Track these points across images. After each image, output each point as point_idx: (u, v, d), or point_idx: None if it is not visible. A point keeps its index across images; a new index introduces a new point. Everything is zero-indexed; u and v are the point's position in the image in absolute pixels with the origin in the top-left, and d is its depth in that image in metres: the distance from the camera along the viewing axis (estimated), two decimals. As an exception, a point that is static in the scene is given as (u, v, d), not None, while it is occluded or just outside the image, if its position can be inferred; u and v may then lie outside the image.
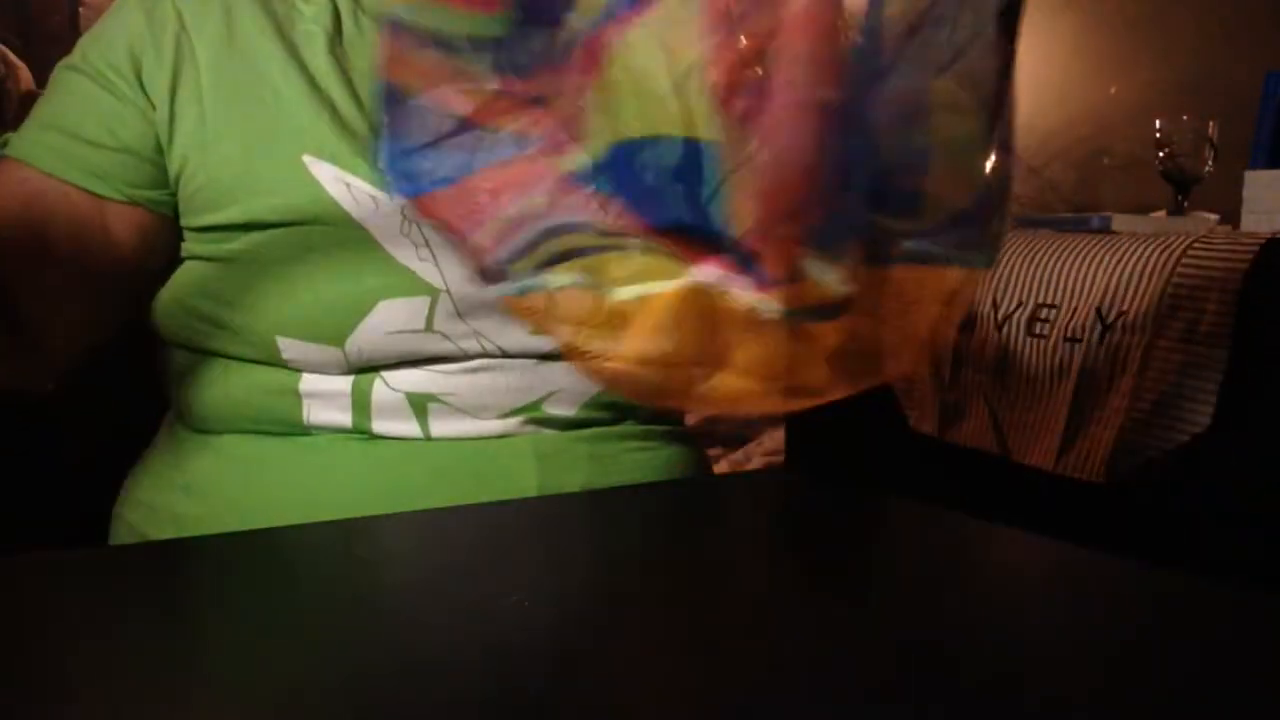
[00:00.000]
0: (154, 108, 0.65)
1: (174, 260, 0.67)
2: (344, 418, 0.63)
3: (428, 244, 0.63)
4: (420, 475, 0.62)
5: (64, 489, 0.66)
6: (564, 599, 0.38)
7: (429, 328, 0.62)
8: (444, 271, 0.62)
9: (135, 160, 0.65)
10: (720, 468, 1.86)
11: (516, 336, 0.65)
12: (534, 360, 0.65)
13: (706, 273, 0.43)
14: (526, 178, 0.44)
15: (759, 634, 0.35)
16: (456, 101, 0.46)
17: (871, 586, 0.41)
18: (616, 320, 0.43)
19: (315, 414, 0.63)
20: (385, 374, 0.63)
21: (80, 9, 4.06)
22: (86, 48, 0.67)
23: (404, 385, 0.63)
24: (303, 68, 0.66)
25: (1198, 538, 1.02)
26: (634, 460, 0.68)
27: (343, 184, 0.63)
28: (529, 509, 0.56)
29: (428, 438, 0.63)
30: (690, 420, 1.01)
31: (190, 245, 0.66)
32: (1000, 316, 1.21)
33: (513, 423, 0.64)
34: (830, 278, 0.43)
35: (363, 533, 0.50)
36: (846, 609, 0.37)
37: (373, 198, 0.63)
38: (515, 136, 0.45)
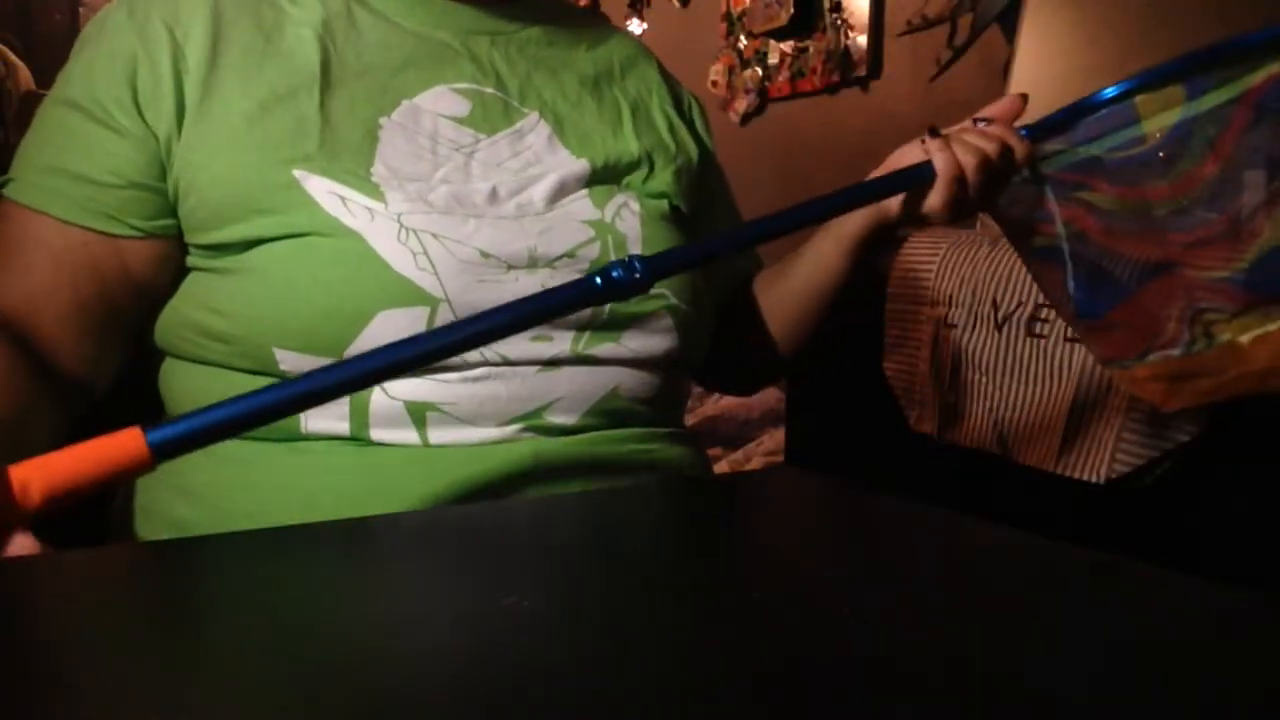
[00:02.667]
0: (154, 135, 0.64)
1: (183, 274, 0.67)
2: (341, 426, 0.63)
3: (425, 252, 0.62)
4: (418, 482, 0.61)
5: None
6: (562, 599, 0.38)
7: None
8: (443, 280, 0.62)
9: (145, 194, 0.64)
10: (720, 468, 1.86)
11: (517, 344, 0.64)
12: (536, 368, 0.64)
13: None
14: (1181, 285, 0.67)
15: (759, 634, 0.35)
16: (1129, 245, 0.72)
17: (871, 586, 0.41)
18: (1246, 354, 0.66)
19: (312, 422, 0.63)
20: (384, 382, 0.63)
21: (80, 9, 4.06)
22: (78, 80, 0.65)
23: (403, 394, 0.62)
24: (291, 78, 0.66)
25: (1198, 538, 1.02)
26: (635, 463, 0.68)
27: (337, 197, 0.63)
28: (527, 509, 0.56)
29: (426, 445, 0.63)
30: (690, 421, 1.00)
31: (193, 259, 0.66)
32: (1000, 316, 1.21)
33: (512, 430, 0.64)
34: None
35: (361, 532, 0.50)
36: (846, 609, 0.37)
37: (368, 209, 0.63)
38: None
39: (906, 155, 0.73)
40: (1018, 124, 0.74)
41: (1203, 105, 0.69)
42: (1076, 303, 0.72)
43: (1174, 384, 0.69)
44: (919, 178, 0.71)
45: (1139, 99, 0.70)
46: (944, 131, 0.72)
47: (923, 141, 0.72)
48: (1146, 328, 0.69)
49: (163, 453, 0.47)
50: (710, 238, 0.71)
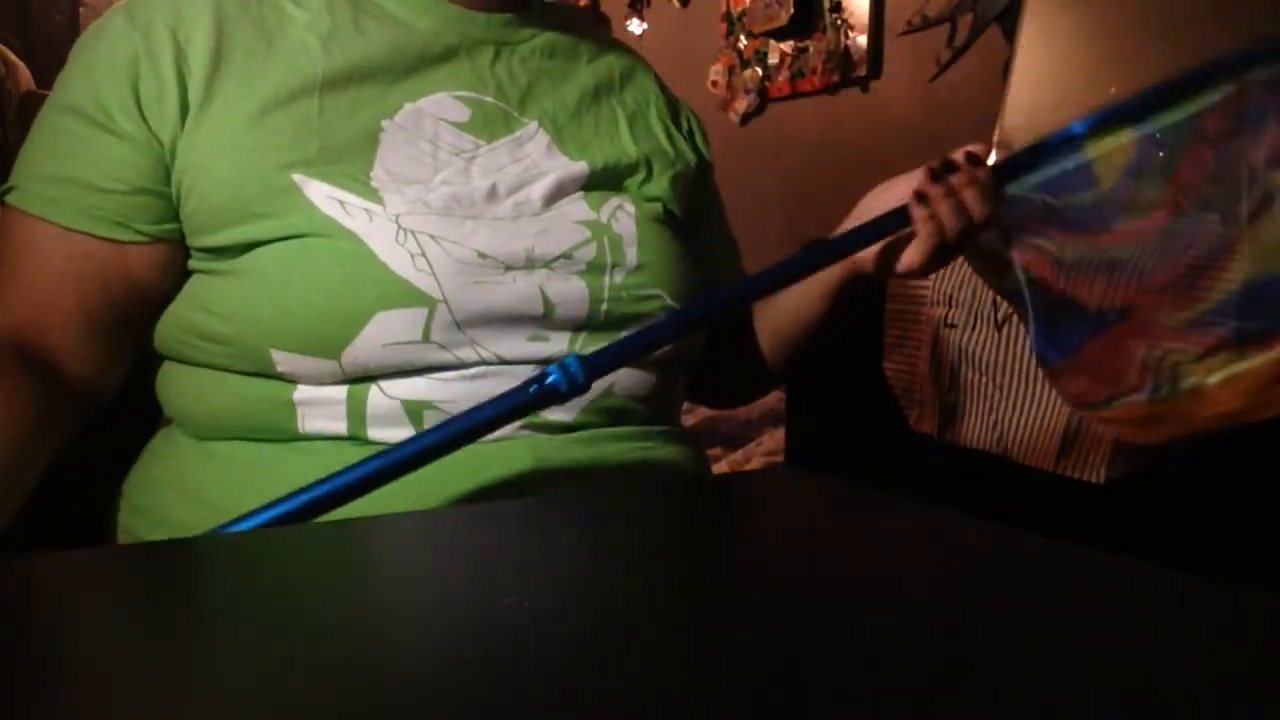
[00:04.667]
0: (158, 139, 0.64)
1: (186, 278, 0.67)
2: (339, 425, 0.63)
3: (423, 253, 0.62)
4: (415, 480, 0.61)
5: (61, 492, 0.66)
6: (561, 599, 0.38)
7: (426, 338, 0.62)
8: (441, 281, 0.62)
9: (150, 198, 0.64)
10: (720, 468, 1.86)
11: (515, 344, 0.64)
12: (532, 367, 0.64)
13: None
14: (1143, 329, 0.64)
15: (759, 634, 0.35)
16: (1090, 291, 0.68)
17: (871, 586, 0.41)
18: (1209, 397, 0.63)
19: (309, 423, 0.63)
20: (381, 382, 0.63)
21: (80, 9, 4.07)
22: (78, 85, 0.65)
23: (400, 393, 0.62)
24: (292, 82, 0.66)
25: (1198, 538, 1.02)
26: (633, 461, 0.68)
27: (336, 202, 0.63)
28: (526, 509, 0.56)
29: None
30: (690, 421, 1.00)
31: (194, 262, 0.66)
32: (1000, 317, 1.21)
33: (510, 428, 0.64)
34: None
35: (361, 532, 0.50)
36: (846, 609, 0.37)
37: (367, 211, 0.63)
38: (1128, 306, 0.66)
39: (880, 199, 0.74)
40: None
41: (1154, 145, 0.68)
42: (1036, 348, 0.72)
43: (1141, 429, 0.67)
44: (895, 224, 0.71)
45: (1090, 145, 0.69)
46: (928, 192, 0.71)
47: (916, 202, 0.72)
48: (1109, 375, 0.68)
49: None
50: (653, 326, 0.67)
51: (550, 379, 0.59)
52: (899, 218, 0.71)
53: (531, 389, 0.59)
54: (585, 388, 0.60)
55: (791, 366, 0.88)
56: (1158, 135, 0.67)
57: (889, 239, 0.73)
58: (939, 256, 0.72)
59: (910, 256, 0.73)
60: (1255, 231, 0.63)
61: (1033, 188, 0.71)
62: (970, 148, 0.74)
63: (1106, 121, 0.68)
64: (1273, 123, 0.64)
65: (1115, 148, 0.68)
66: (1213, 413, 0.63)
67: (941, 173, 0.72)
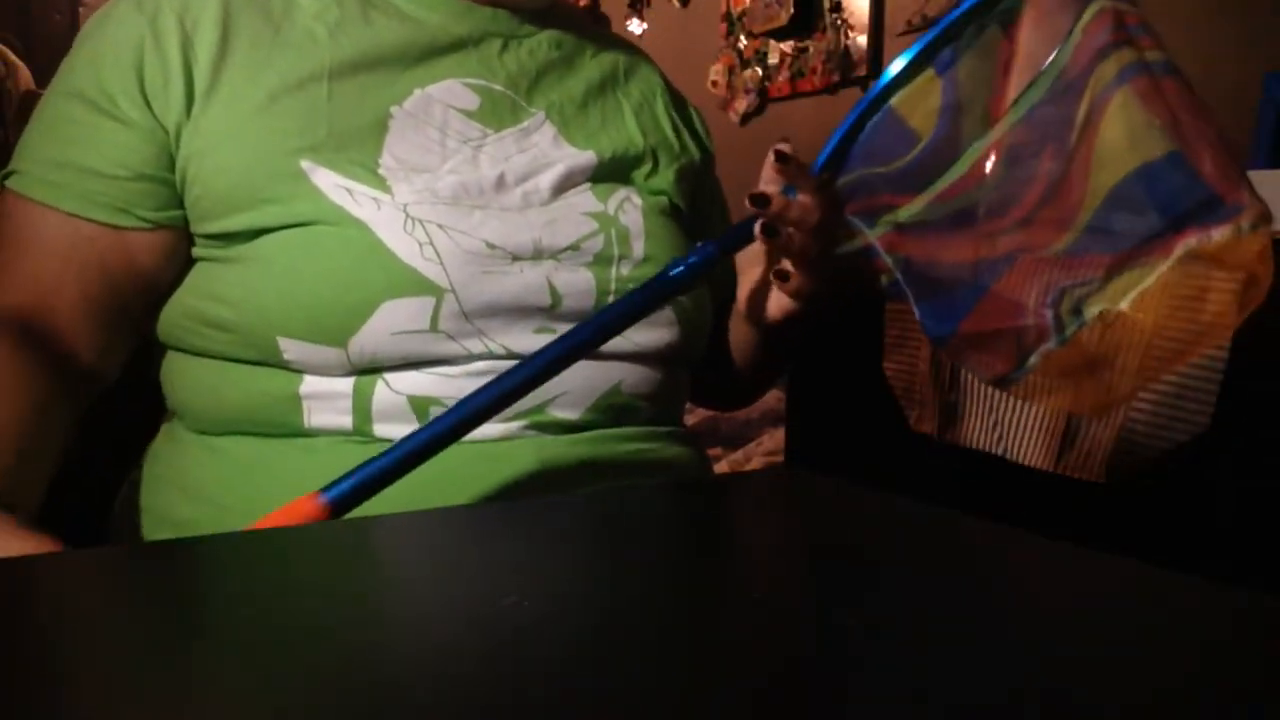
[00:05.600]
0: (162, 126, 0.64)
1: (188, 266, 0.68)
2: (344, 420, 0.63)
3: (431, 242, 0.62)
4: (420, 478, 0.61)
5: (63, 490, 0.66)
6: (561, 599, 0.38)
7: (434, 328, 0.62)
8: (449, 270, 0.62)
9: (153, 185, 0.64)
10: (720, 468, 1.86)
11: (522, 336, 0.64)
12: None
13: (1188, 243, 0.56)
14: (1031, 273, 0.60)
15: (759, 635, 0.35)
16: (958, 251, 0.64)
17: (870, 587, 0.41)
18: (1133, 323, 0.58)
19: (315, 417, 0.63)
20: (388, 376, 0.63)
21: (80, 9, 4.07)
22: (83, 71, 0.65)
23: (406, 388, 0.62)
24: (300, 69, 0.66)
25: (1198, 538, 1.02)
26: (637, 461, 0.68)
27: (344, 190, 0.63)
28: (527, 509, 0.56)
29: None
30: (690, 421, 1.00)
31: (198, 249, 0.66)
32: (1000, 316, 1.21)
33: (515, 426, 0.64)
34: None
35: (360, 533, 0.50)
36: (846, 609, 0.37)
37: (375, 199, 0.63)
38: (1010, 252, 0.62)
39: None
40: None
41: (959, 78, 0.63)
42: (926, 329, 0.64)
43: (1075, 385, 0.60)
44: (739, 239, 0.67)
45: (895, 101, 0.64)
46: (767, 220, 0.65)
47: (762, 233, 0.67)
48: (1008, 328, 0.61)
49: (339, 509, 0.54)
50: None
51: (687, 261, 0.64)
52: (743, 229, 0.66)
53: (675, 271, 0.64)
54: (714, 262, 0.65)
55: (768, 381, 0.90)
56: (956, 70, 0.63)
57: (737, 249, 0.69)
58: (807, 287, 0.68)
59: (775, 299, 0.71)
60: (1102, 131, 0.58)
61: (861, 166, 0.65)
62: (778, 146, 0.66)
63: (907, 67, 0.63)
64: (1073, 15, 0.60)
65: (921, 93, 0.63)
66: (1140, 349, 0.57)
67: (760, 200, 0.65)
